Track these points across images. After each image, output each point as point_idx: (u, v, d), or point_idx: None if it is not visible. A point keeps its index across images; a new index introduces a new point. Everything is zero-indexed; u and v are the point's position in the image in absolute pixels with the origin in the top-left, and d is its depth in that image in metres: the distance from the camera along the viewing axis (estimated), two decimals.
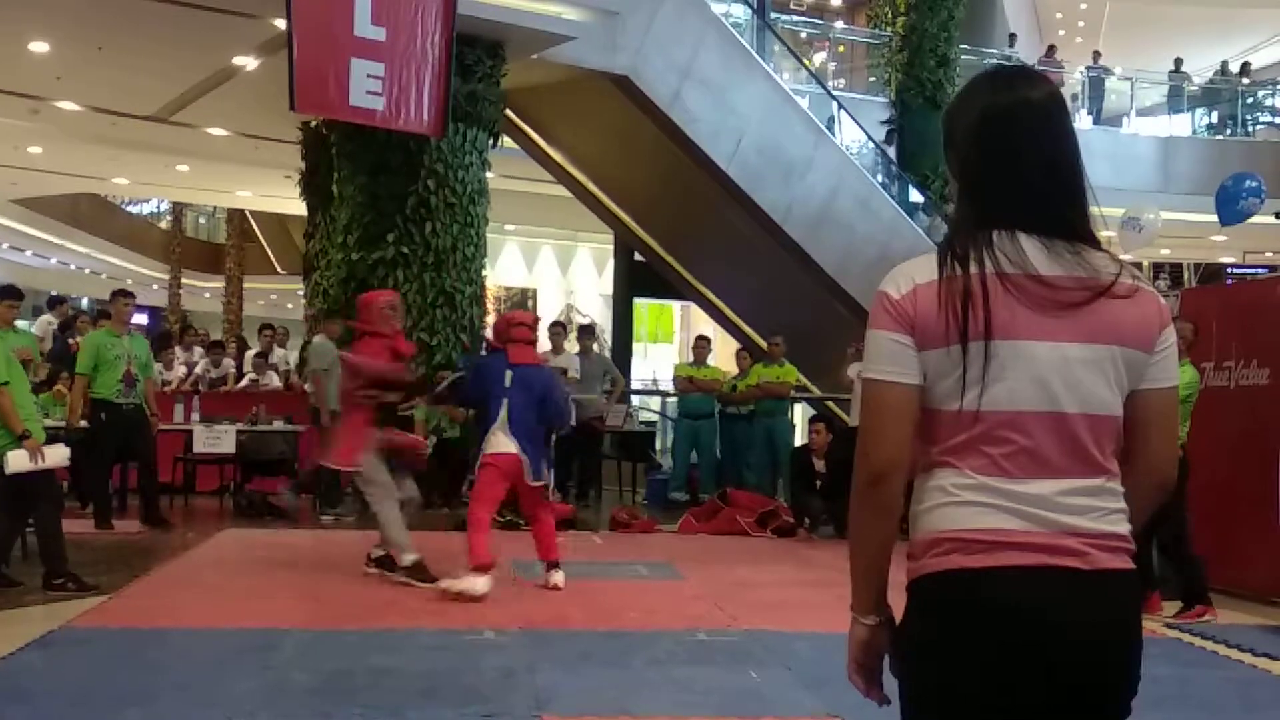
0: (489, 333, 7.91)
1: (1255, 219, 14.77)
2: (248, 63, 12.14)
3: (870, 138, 14.91)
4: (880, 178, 14.51)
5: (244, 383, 12.32)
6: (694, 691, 4.66)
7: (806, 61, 17.16)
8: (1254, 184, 14.39)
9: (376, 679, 4.71)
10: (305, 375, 11.04)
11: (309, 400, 10.05)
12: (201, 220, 33.84)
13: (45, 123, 15.37)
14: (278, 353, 12.85)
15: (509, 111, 11.97)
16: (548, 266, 24.29)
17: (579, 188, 14.77)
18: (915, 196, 14.88)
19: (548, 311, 22.24)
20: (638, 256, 16.03)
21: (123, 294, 9.15)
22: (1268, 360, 7.42)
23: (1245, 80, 21.20)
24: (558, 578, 6.70)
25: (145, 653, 5.19)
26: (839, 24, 21.90)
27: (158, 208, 32.65)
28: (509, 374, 6.51)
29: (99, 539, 8.21)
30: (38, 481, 6.39)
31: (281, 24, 9.71)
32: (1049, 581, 1.67)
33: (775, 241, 12.84)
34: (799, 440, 11.70)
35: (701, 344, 12.49)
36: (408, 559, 6.69)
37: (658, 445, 13.90)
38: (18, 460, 6.24)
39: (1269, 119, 21.17)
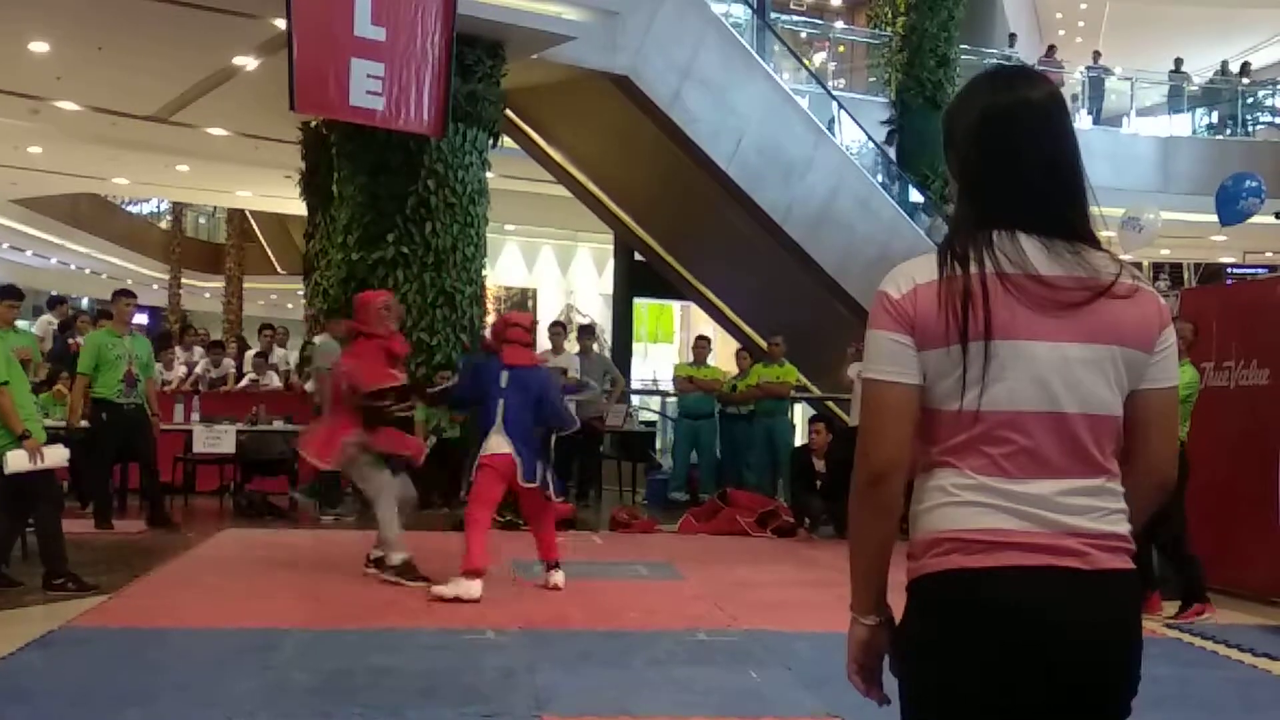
0: (489, 333, 7.91)
1: (1255, 219, 14.77)
2: (248, 63, 12.14)
3: (870, 138, 14.91)
4: (880, 178, 14.50)
5: (244, 383, 12.33)
6: (694, 691, 4.66)
7: (806, 61, 17.15)
8: (1254, 184, 14.39)
9: (376, 679, 4.71)
10: (307, 375, 11.04)
11: (311, 400, 10.05)
12: (201, 220, 33.84)
13: (45, 123, 15.36)
14: (278, 353, 12.85)
15: (509, 111, 11.96)
16: (548, 266, 24.29)
17: (579, 188, 14.77)
18: (915, 196, 14.87)
19: (548, 311, 22.24)
20: (638, 256, 16.04)
21: (124, 294, 9.15)
22: (1268, 360, 7.42)
23: (1245, 80, 21.20)
24: (558, 578, 6.71)
25: (145, 653, 5.19)
26: (839, 24, 21.90)
27: (158, 208, 32.65)
28: (504, 375, 6.53)
29: (99, 539, 8.21)
30: (37, 482, 6.39)
31: (281, 24, 9.71)
32: (1049, 581, 1.67)
33: (775, 241, 12.84)
34: (799, 440, 11.70)
35: (701, 344, 12.50)
36: (397, 558, 6.71)
37: (658, 445, 13.91)
38: (17, 460, 6.24)
39: (1269, 119, 21.17)
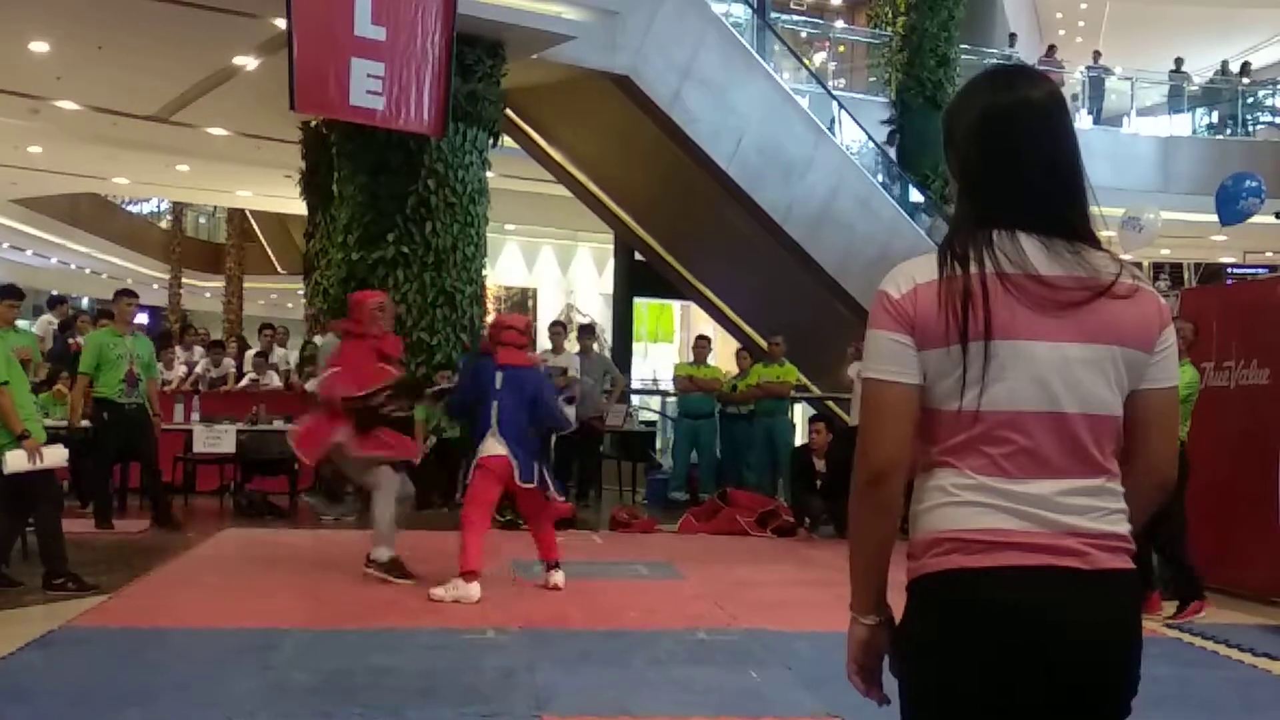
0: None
1: (1255, 219, 14.77)
2: (248, 62, 12.14)
3: (870, 138, 14.91)
4: (880, 178, 14.50)
5: (244, 382, 12.32)
6: (694, 691, 4.66)
7: (806, 61, 17.15)
8: (1254, 184, 14.39)
9: (376, 678, 4.71)
10: (308, 374, 11.02)
11: (312, 399, 10.03)
12: (202, 220, 33.85)
13: (45, 122, 15.36)
14: (278, 352, 12.85)
15: (509, 111, 11.96)
16: (548, 266, 24.29)
17: (579, 187, 14.77)
18: (915, 196, 14.87)
19: (548, 311, 22.25)
20: (638, 256, 16.04)
21: (126, 294, 9.16)
22: (1268, 360, 7.41)
23: (1245, 80, 21.20)
24: (558, 578, 6.71)
25: (145, 653, 5.19)
26: (839, 24, 21.91)
27: (158, 207, 32.65)
28: (499, 376, 6.55)
29: (99, 539, 8.20)
30: (37, 482, 6.39)
31: (281, 24, 9.71)
32: (1049, 581, 1.67)
33: (775, 241, 12.84)
34: (799, 440, 11.70)
35: (701, 343, 12.49)
36: (384, 554, 6.73)
37: (658, 445, 13.90)
38: (16, 460, 6.24)
39: (1269, 119, 21.17)
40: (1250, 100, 20.90)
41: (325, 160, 12.25)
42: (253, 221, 29.13)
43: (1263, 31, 23.16)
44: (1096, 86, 20.24)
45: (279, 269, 29.15)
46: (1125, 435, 1.78)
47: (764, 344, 12.55)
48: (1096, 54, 21.03)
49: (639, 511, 10.31)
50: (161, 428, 9.43)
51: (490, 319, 10.67)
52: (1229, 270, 21.09)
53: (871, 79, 17.75)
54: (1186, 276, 22.02)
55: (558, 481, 6.95)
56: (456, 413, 7.84)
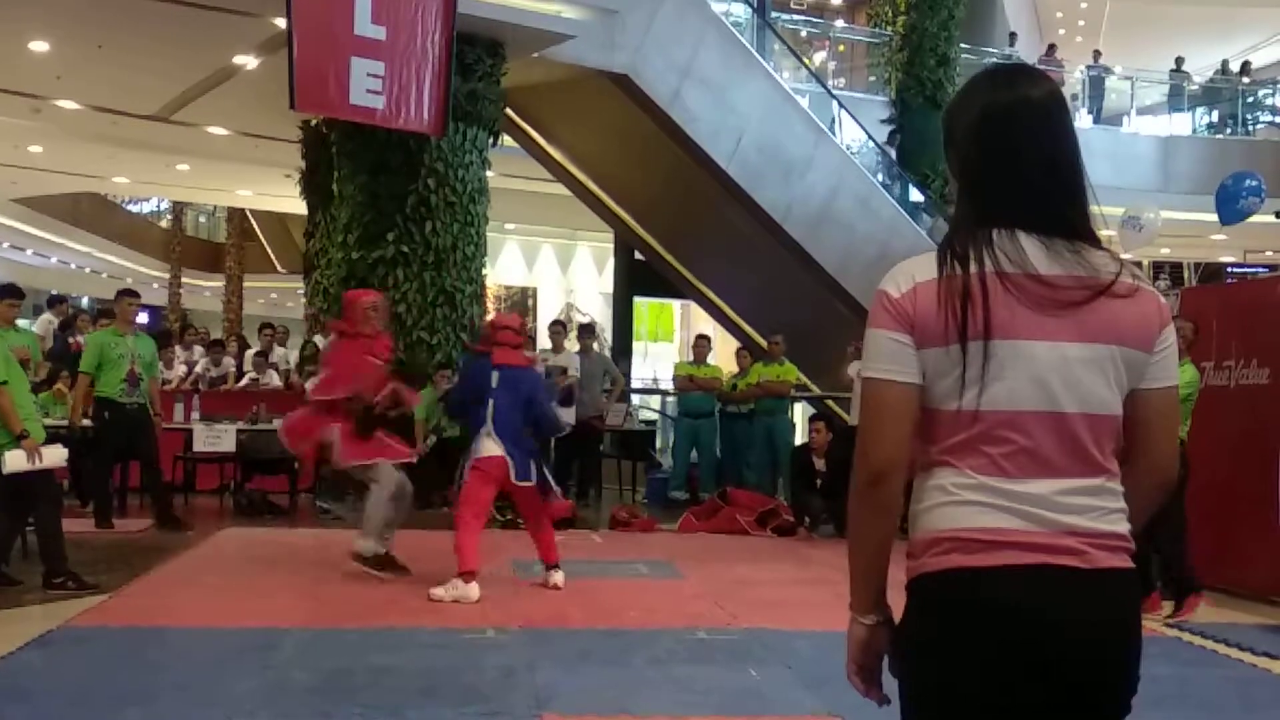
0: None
1: (1255, 218, 14.75)
2: (248, 62, 12.13)
3: (870, 137, 14.91)
4: (880, 177, 14.50)
5: (244, 382, 12.32)
6: (694, 690, 4.66)
7: (806, 60, 17.14)
8: (1254, 183, 14.38)
9: (376, 678, 4.71)
10: (308, 373, 11.02)
11: None
12: (202, 219, 33.86)
13: (46, 122, 15.36)
14: (278, 352, 12.85)
15: (509, 110, 11.96)
16: (548, 265, 24.29)
17: (579, 186, 14.77)
18: (916, 196, 14.87)
19: (548, 310, 22.25)
20: (638, 255, 16.03)
21: (127, 293, 9.17)
22: (1268, 360, 7.41)
23: (1245, 79, 21.19)
24: (557, 578, 6.71)
25: (145, 652, 5.19)
26: (839, 23, 21.89)
27: (158, 206, 32.67)
28: (495, 375, 6.55)
29: (99, 538, 8.20)
30: (36, 481, 6.40)
31: (281, 23, 9.71)
32: (1048, 581, 1.67)
33: (775, 240, 12.84)
34: (799, 439, 11.70)
35: (701, 343, 12.49)
36: (366, 547, 6.74)
37: (658, 444, 13.90)
38: (15, 460, 6.24)
39: (1269, 118, 21.15)
40: (1250, 100, 20.88)
41: (325, 159, 12.25)
42: (253, 221, 29.13)
43: (1263, 31, 23.16)
44: (1096, 86, 20.23)
45: (279, 268, 29.16)
46: (1125, 435, 1.77)
47: (764, 343, 12.55)
48: (1096, 53, 21.02)
49: (639, 511, 10.31)
50: (162, 427, 9.43)
51: (493, 316, 10.70)
52: (1229, 269, 21.08)
53: (871, 78, 17.74)
54: (1186, 276, 22.01)
55: (555, 479, 6.95)
56: (455, 412, 7.84)
